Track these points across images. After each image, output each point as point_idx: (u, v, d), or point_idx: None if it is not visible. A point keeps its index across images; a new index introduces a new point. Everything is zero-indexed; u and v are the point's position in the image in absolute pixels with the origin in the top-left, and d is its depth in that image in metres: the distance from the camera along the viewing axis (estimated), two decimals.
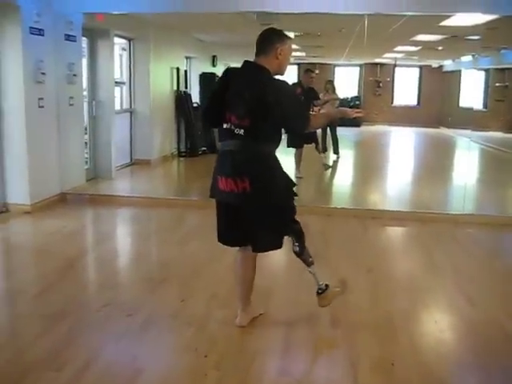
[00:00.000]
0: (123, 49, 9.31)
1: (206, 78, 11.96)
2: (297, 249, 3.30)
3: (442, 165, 11.41)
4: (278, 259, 4.63)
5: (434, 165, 11.21)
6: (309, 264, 3.34)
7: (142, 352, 3.08)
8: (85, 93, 7.61)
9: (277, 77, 3.16)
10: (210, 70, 12.53)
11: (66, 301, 3.73)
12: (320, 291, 3.37)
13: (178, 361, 3.01)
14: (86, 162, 7.71)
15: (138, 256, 5.02)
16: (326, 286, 3.37)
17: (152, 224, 6.17)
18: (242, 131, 3.02)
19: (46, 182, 6.38)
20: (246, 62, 3.17)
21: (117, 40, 8.65)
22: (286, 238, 3.29)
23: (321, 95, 8.68)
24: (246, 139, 3.02)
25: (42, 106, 6.19)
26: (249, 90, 3.03)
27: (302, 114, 3.24)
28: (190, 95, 10.91)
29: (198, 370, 2.87)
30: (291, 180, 3.28)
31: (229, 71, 3.23)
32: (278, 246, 3.25)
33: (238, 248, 3.36)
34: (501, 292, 4.17)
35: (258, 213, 3.13)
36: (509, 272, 4.70)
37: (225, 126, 3.08)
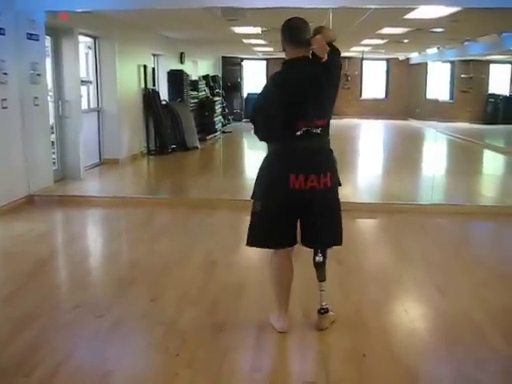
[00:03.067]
0: (89, 47, 9.18)
1: (174, 76, 11.91)
2: (321, 259, 3.24)
3: (411, 156, 11.56)
4: (249, 255, 4.64)
5: (403, 156, 11.35)
6: (324, 279, 3.27)
7: (113, 353, 3.06)
8: (50, 93, 7.50)
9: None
10: (178, 67, 12.46)
11: (34, 303, 3.67)
12: (323, 311, 3.28)
13: (149, 360, 2.98)
14: (54, 163, 7.59)
15: (107, 256, 4.97)
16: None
17: (122, 223, 6.11)
18: (319, 130, 3.00)
19: (12, 184, 6.26)
20: (293, 61, 3.01)
21: (82, 38, 8.54)
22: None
23: None
24: (321, 136, 3.03)
25: (6, 107, 6.07)
26: (320, 88, 3.00)
27: None
28: (158, 93, 10.85)
29: (169, 369, 2.85)
30: None
31: (280, 80, 3.04)
32: (340, 242, 3.29)
33: (275, 251, 3.20)
34: (470, 280, 4.23)
35: (331, 208, 3.17)
36: (477, 260, 4.77)
37: (298, 133, 2.96)
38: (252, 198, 3.18)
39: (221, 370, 2.85)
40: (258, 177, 3.16)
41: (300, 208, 3.08)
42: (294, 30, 3.04)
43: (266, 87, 3.09)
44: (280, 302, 3.26)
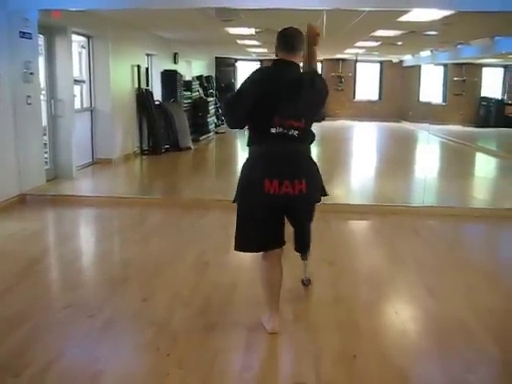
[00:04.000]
0: (82, 46, 9.16)
1: (167, 76, 11.91)
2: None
3: (403, 158, 11.59)
4: (241, 256, 4.64)
5: (396, 158, 11.38)
6: (306, 259, 3.60)
7: (104, 353, 3.05)
8: (43, 92, 7.47)
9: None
10: (172, 67, 12.46)
11: (25, 303, 3.66)
12: (307, 282, 3.67)
13: (140, 360, 2.98)
14: (46, 162, 7.56)
15: (99, 256, 4.95)
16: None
17: (114, 223, 6.08)
18: (295, 133, 2.99)
19: (3, 183, 6.23)
20: (282, 61, 3.10)
21: (76, 38, 8.52)
22: None
23: None
24: (299, 140, 3.02)
25: None
26: (301, 90, 3.03)
27: None
28: (151, 93, 10.84)
29: (160, 370, 2.84)
30: None
31: (264, 73, 3.17)
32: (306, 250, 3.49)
33: (264, 254, 3.21)
34: (461, 283, 4.25)
35: (308, 212, 3.21)
36: (469, 262, 4.79)
37: (273, 130, 2.96)
38: (233, 201, 3.20)
39: (212, 370, 2.85)
40: (238, 179, 3.18)
41: (279, 212, 3.10)
42: (288, 37, 3.13)
43: (249, 78, 3.12)
44: (270, 303, 3.27)
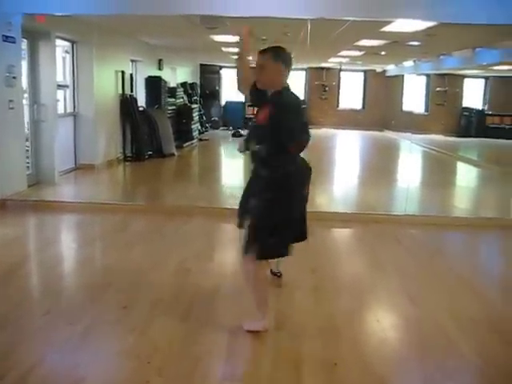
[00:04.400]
0: (66, 51, 9.11)
1: (152, 82, 11.89)
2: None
3: (386, 167, 11.66)
4: (223, 263, 4.65)
5: (378, 167, 11.45)
6: None
7: (84, 360, 3.02)
8: (26, 96, 7.42)
9: None
10: (157, 73, 12.44)
11: (5, 309, 3.61)
12: (279, 274, 4.04)
13: (120, 368, 2.96)
14: (28, 167, 7.48)
15: (81, 262, 4.91)
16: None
17: (96, 230, 6.04)
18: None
19: None
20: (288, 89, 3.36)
21: (60, 42, 8.47)
22: None
23: None
24: None
25: None
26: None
27: None
28: (135, 99, 10.79)
29: (140, 377, 2.83)
30: None
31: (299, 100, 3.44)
32: None
33: (260, 263, 3.32)
34: (442, 291, 4.29)
35: None
36: (450, 271, 4.84)
37: (302, 151, 3.28)
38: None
39: (192, 378, 2.84)
40: (273, 200, 3.19)
41: None
42: (291, 61, 3.41)
43: (299, 107, 3.42)
44: (265, 305, 3.36)
